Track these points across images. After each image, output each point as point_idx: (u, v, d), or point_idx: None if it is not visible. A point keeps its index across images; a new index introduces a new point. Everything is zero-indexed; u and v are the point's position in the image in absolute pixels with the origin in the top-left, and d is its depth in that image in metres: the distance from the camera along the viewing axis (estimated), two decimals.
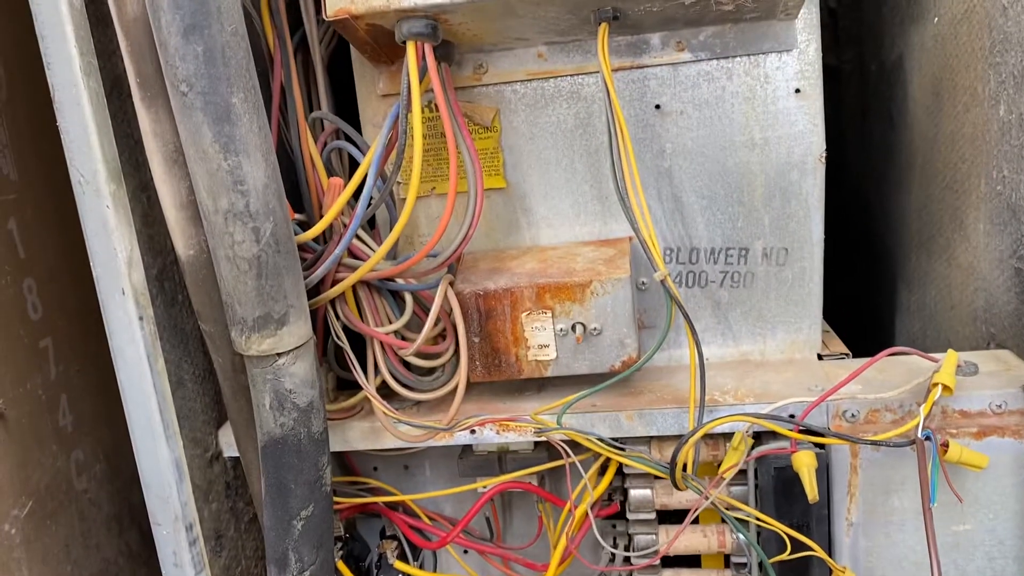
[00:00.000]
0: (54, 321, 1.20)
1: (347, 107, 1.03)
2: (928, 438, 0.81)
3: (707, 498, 0.83)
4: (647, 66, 0.94)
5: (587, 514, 0.94)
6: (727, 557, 1.01)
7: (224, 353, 0.87)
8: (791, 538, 0.87)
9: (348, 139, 0.96)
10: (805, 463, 0.82)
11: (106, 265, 0.85)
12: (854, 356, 1.02)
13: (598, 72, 0.94)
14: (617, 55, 0.94)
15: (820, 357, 1.02)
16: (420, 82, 0.83)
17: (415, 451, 1.09)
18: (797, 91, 0.93)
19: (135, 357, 0.87)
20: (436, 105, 0.89)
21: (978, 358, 0.93)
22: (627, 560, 1.00)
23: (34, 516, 1.13)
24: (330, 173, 0.97)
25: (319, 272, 0.86)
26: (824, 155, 0.94)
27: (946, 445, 0.83)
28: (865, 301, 1.45)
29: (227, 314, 0.81)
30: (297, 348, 0.82)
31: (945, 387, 0.83)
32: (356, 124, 1.01)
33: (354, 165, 1.01)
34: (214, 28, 0.72)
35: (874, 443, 0.82)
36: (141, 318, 0.86)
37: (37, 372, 1.16)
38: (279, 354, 0.81)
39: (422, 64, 0.83)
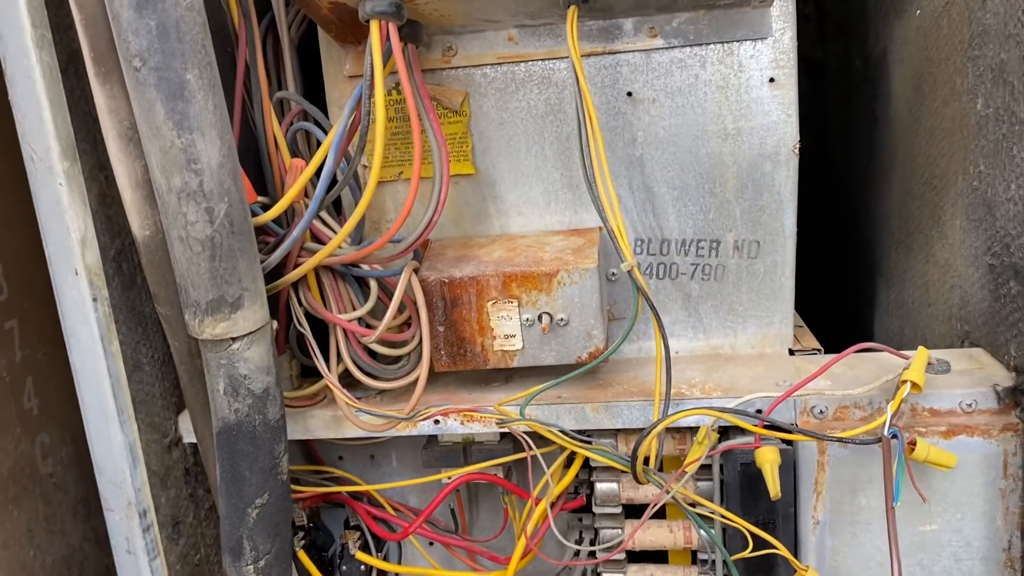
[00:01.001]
0: (20, 303, 1.18)
1: (321, 91, 1.01)
2: (895, 436, 0.79)
3: (667, 492, 0.82)
4: (619, 52, 0.92)
5: (546, 511, 0.92)
6: (694, 553, 1.00)
7: (180, 337, 0.85)
8: (755, 535, 0.85)
9: (315, 121, 0.94)
10: (768, 459, 0.81)
11: (59, 244, 0.83)
12: (832, 352, 1.00)
13: (569, 57, 0.92)
14: (588, 40, 0.92)
15: (792, 352, 1.00)
16: (384, 63, 0.81)
17: (381, 441, 1.08)
18: (771, 80, 0.91)
19: (88, 339, 0.85)
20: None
21: (951, 356, 0.92)
22: (592, 555, 0.98)
23: None
24: (296, 155, 0.95)
25: (277, 254, 0.85)
26: (798, 146, 0.92)
27: (913, 443, 0.81)
28: (844, 297, 1.44)
29: (180, 296, 0.79)
30: (252, 333, 0.80)
31: (914, 384, 0.82)
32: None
33: None
34: (168, 2, 0.70)
35: (839, 440, 0.81)
36: (95, 299, 0.84)
37: (1, 354, 1.14)
38: (233, 339, 0.79)
39: (386, 44, 0.81)
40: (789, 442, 0.87)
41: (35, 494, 1.20)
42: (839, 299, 1.46)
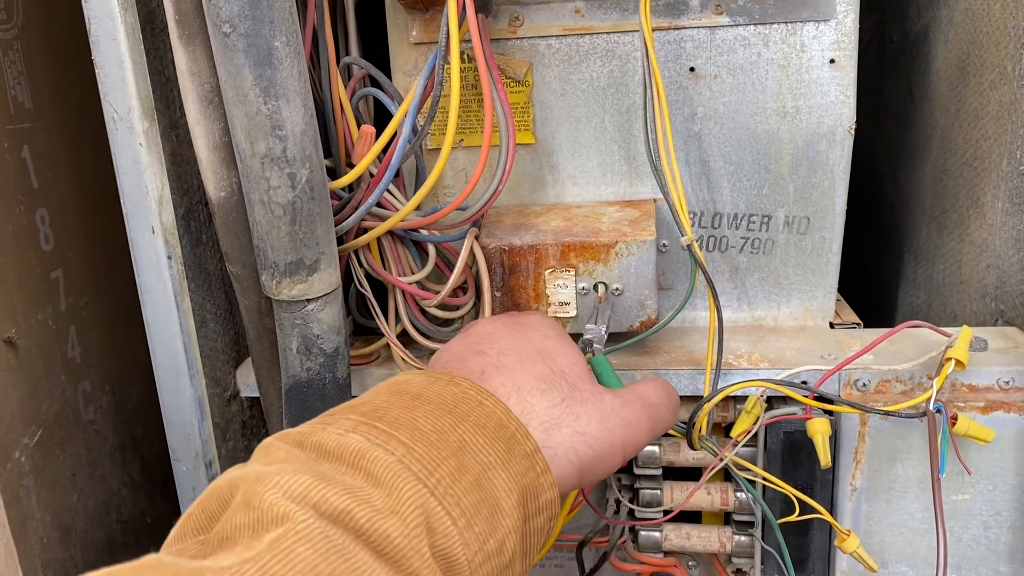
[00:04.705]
0: (65, 253, 1.19)
1: (368, 52, 1.02)
2: (939, 411, 0.83)
3: (722, 459, 0.85)
4: (684, 27, 0.94)
5: None
6: (727, 514, 1.04)
7: (251, 295, 0.88)
8: (798, 500, 0.89)
9: (377, 86, 0.95)
10: (820, 430, 0.84)
11: (137, 203, 0.84)
12: (868, 325, 1.04)
13: (635, 31, 0.94)
14: (655, 15, 0.93)
15: (832, 325, 1.03)
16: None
17: None
18: (832, 61, 0.93)
19: (163, 296, 0.87)
20: (469, 56, 0.89)
21: (987, 334, 0.95)
22: (631, 514, 1.02)
23: (43, 445, 1.14)
24: (358, 120, 0.96)
25: (350, 221, 0.87)
26: (854, 127, 0.95)
27: (955, 418, 0.85)
28: (868, 268, 1.47)
29: (258, 258, 0.81)
30: (326, 295, 0.82)
31: (958, 362, 0.85)
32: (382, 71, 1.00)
33: (380, 112, 1.01)
34: None
35: (886, 413, 0.84)
36: (170, 257, 0.86)
37: (48, 303, 1.16)
38: (308, 300, 0.82)
39: (462, 15, 0.82)
40: (831, 412, 0.90)
41: (78, 440, 1.23)
42: (862, 269, 1.49)
